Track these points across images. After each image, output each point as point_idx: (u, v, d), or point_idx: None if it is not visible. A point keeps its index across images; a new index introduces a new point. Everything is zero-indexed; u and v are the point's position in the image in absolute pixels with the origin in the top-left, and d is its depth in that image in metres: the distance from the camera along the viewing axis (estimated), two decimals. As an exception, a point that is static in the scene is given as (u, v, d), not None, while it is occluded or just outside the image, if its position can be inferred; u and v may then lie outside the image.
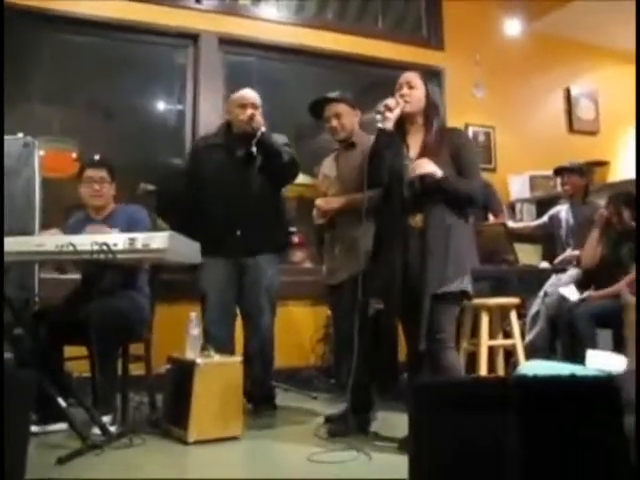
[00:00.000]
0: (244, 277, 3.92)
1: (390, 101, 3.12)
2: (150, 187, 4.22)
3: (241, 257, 3.89)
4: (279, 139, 4.00)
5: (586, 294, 4.48)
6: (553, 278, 4.86)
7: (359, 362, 3.32)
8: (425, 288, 2.96)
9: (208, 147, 4.08)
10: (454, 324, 3.11)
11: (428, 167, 2.98)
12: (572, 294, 4.50)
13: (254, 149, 3.85)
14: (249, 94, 4.01)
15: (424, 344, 3.00)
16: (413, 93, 3.16)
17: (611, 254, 4.55)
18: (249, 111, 3.86)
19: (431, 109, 3.18)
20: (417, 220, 3.04)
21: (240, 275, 3.92)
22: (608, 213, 4.57)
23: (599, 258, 4.63)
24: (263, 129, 3.82)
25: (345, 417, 3.43)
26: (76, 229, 3.64)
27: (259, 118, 3.84)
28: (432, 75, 5.56)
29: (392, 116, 3.10)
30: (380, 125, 3.11)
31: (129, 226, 3.51)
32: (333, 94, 3.76)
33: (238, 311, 4.00)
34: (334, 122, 3.70)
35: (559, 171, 5.31)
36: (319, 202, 3.71)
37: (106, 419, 3.26)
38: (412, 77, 3.20)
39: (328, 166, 3.85)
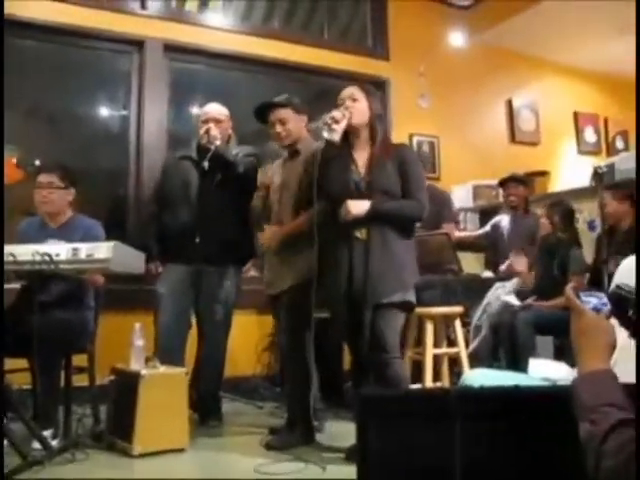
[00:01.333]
0: (201, 286, 3.95)
1: (337, 113, 3.12)
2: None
3: (200, 265, 3.92)
4: (244, 150, 4.08)
5: (529, 300, 4.55)
6: (495, 286, 4.94)
7: (298, 373, 3.35)
8: (367, 298, 3.00)
9: (178, 159, 4.19)
10: (398, 334, 3.14)
11: (354, 211, 3.03)
12: (515, 300, 4.58)
13: (206, 163, 3.95)
14: (209, 109, 4.15)
15: (366, 354, 3.05)
16: (356, 106, 3.18)
17: (546, 265, 4.65)
18: (205, 127, 3.97)
19: (375, 121, 3.20)
20: (362, 232, 3.06)
21: (198, 284, 3.95)
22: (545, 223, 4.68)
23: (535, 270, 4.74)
24: (217, 143, 3.92)
25: (286, 429, 3.44)
26: (30, 236, 3.58)
27: (214, 133, 3.93)
28: (377, 85, 5.61)
29: (339, 128, 3.10)
30: (327, 136, 3.10)
31: (85, 241, 3.43)
32: (279, 98, 3.72)
33: (194, 319, 4.02)
34: (278, 128, 3.63)
35: (503, 182, 5.42)
36: (264, 239, 3.62)
37: (47, 433, 3.19)
38: (354, 90, 3.22)
39: (273, 171, 3.81)
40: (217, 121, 4.04)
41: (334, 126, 3.09)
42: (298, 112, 3.70)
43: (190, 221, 3.94)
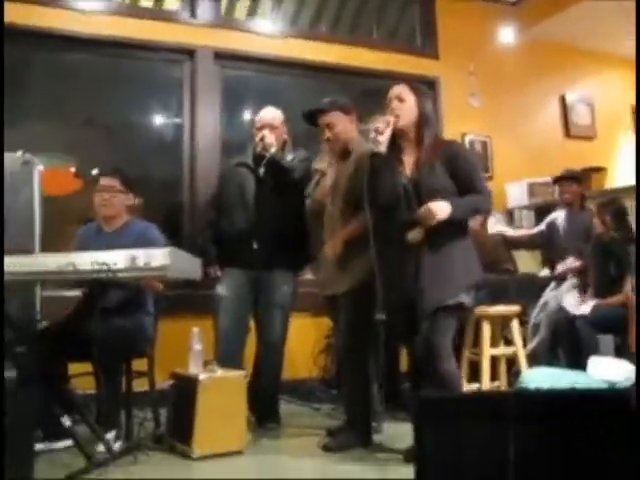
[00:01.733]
0: (259, 291, 3.99)
1: (380, 124, 3.11)
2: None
3: (257, 270, 3.96)
4: (299, 155, 4.08)
5: (588, 307, 4.46)
6: (552, 285, 4.88)
7: (357, 375, 3.34)
8: (422, 303, 2.97)
9: (234, 166, 4.21)
10: (450, 338, 3.08)
11: (439, 214, 2.92)
12: (573, 306, 4.50)
13: (261, 170, 3.97)
14: (263, 115, 4.15)
15: (419, 358, 3.05)
16: (403, 107, 3.14)
17: (602, 265, 4.57)
18: (260, 134, 3.98)
19: (423, 122, 3.15)
20: (416, 234, 3.00)
21: (256, 289, 3.99)
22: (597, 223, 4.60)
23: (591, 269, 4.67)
24: (273, 150, 3.93)
25: (344, 431, 3.44)
26: (88, 242, 3.70)
27: (269, 140, 3.93)
28: (427, 85, 5.57)
29: (383, 139, 3.09)
30: (374, 149, 3.11)
31: (141, 244, 3.50)
32: (324, 102, 3.69)
33: (252, 323, 4.06)
34: (327, 133, 3.63)
35: (557, 180, 5.34)
36: (327, 254, 3.58)
37: (110, 436, 3.26)
38: (401, 90, 3.18)
39: (327, 173, 3.77)
40: (272, 127, 4.03)
41: (379, 137, 3.09)
42: (346, 113, 3.67)
43: (247, 227, 3.97)
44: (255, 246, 3.94)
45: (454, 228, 3.04)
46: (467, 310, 3.15)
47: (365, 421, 3.47)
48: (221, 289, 4.02)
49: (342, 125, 3.64)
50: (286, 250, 3.96)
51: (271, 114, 4.14)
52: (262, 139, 3.94)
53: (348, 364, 3.59)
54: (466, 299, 3.05)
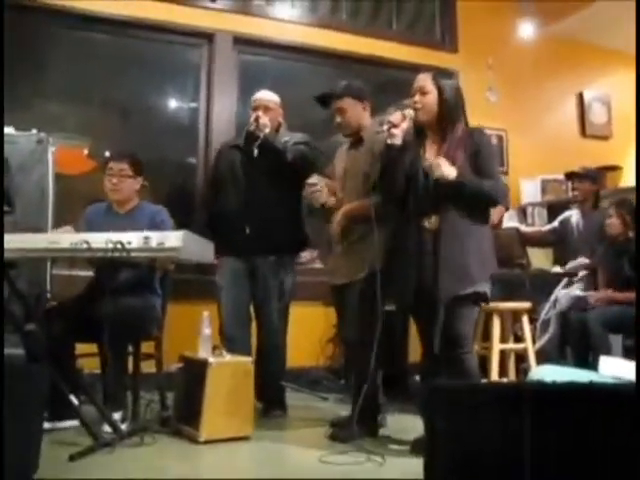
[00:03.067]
0: (256, 277, 3.95)
1: (394, 117, 3.07)
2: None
3: (252, 256, 3.93)
4: (295, 137, 4.02)
5: (601, 294, 4.43)
6: (564, 283, 4.85)
7: (364, 366, 3.30)
8: (438, 292, 2.93)
9: (229, 147, 4.19)
10: (472, 328, 3.07)
11: (445, 169, 2.92)
12: (589, 296, 4.48)
13: (255, 150, 3.89)
14: (260, 96, 4.11)
15: (439, 348, 3.00)
16: (424, 100, 3.09)
17: (616, 264, 4.54)
18: (254, 114, 3.94)
19: (445, 114, 3.09)
20: (432, 222, 2.99)
21: (253, 275, 3.96)
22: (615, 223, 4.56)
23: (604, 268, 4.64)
24: (267, 130, 3.88)
25: (350, 422, 3.38)
26: (96, 221, 3.70)
27: (263, 121, 3.89)
28: (446, 77, 5.54)
29: (398, 132, 3.06)
30: (388, 141, 3.08)
31: (152, 227, 3.50)
32: (338, 86, 3.62)
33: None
34: (338, 118, 3.57)
35: (569, 176, 5.29)
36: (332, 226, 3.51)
37: (116, 416, 3.26)
38: (425, 81, 3.12)
39: (339, 159, 3.74)
40: (266, 108, 4.01)
41: (393, 130, 3.05)
42: (359, 100, 3.59)
43: (239, 211, 3.94)
44: (248, 231, 3.90)
45: (470, 214, 3.00)
46: (486, 301, 3.08)
47: (372, 413, 3.43)
48: (220, 277, 4.00)
49: (354, 111, 3.57)
50: (279, 235, 3.93)
51: (267, 96, 4.12)
52: (256, 119, 3.90)
53: (355, 355, 3.55)
54: (484, 288, 3.00)
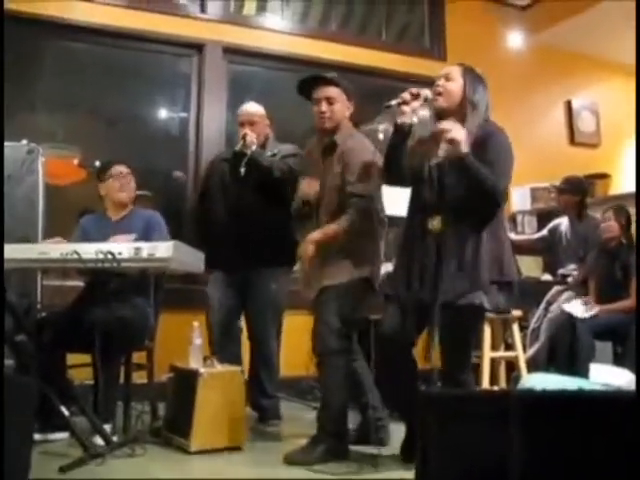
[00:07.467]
0: (247, 291, 3.94)
1: (406, 94, 2.85)
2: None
3: (241, 271, 3.91)
4: (284, 149, 3.99)
5: (595, 311, 4.44)
6: (553, 291, 4.86)
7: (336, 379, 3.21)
8: (437, 296, 2.68)
9: (220, 160, 4.17)
10: (470, 341, 2.91)
11: (456, 133, 2.67)
12: (578, 311, 4.48)
13: (242, 169, 3.80)
14: (245, 110, 4.07)
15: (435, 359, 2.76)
16: (448, 86, 2.90)
17: (607, 269, 4.57)
18: (242, 131, 3.91)
19: (466, 107, 2.88)
20: (435, 223, 2.80)
21: (243, 290, 3.95)
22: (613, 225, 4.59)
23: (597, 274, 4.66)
24: (253, 148, 3.82)
25: (311, 443, 3.14)
26: (92, 231, 3.70)
27: (250, 138, 3.84)
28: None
29: (409, 109, 2.85)
30: (398, 121, 2.87)
31: (146, 232, 3.51)
32: (330, 74, 3.40)
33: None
34: (324, 106, 3.27)
35: (556, 186, 5.35)
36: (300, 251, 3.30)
37: (107, 427, 3.24)
38: (452, 70, 2.96)
39: (315, 167, 3.44)
40: (251, 123, 3.96)
41: (403, 107, 2.84)
42: (347, 96, 3.36)
43: (227, 227, 3.92)
44: (237, 244, 3.87)
45: (475, 217, 2.79)
46: (483, 313, 2.89)
47: (337, 432, 3.15)
48: (210, 289, 4.00)
49: (340, 105, 3.32)
50: (270, 248, 3.88)
51: (250, 110, 4.05)
52: (243, 137, 3.85)
53: (324, 367, 3.32)
54: (482, 300, 2.73)
